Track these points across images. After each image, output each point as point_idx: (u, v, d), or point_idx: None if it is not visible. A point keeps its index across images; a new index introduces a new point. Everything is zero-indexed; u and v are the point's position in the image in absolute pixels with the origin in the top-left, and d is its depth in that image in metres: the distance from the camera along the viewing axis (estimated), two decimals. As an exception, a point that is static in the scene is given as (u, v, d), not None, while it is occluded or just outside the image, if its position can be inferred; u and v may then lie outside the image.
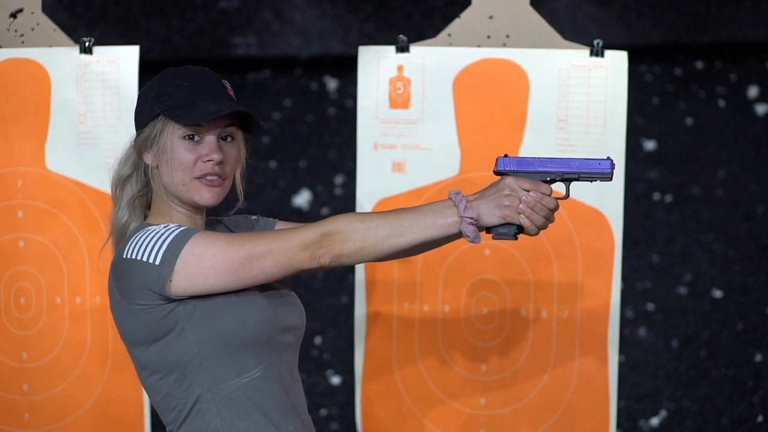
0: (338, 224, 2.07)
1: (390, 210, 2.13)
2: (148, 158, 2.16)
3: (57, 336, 3.02)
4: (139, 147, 2.17)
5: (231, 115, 2.14)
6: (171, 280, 2.04)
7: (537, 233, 2.10)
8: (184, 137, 2.12)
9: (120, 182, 2.20)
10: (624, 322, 3.81)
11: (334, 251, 2.06)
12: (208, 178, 2.14)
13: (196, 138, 2.13)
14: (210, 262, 2.05)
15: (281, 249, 2.06)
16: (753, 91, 3.93)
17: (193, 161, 2.13)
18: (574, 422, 3.06)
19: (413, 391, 3.09)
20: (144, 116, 2.15)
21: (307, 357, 3.91)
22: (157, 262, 2.04)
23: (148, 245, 2.06)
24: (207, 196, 2.14)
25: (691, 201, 3.93)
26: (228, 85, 2.18)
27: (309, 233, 2.07)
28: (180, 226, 2.10)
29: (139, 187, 2.19)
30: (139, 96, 2.20)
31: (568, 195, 2.19)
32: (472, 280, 3.06)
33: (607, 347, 3.04)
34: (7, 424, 3.07)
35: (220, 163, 2.14)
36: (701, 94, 3.93)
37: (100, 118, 2.95)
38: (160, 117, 2.13)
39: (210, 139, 2.14)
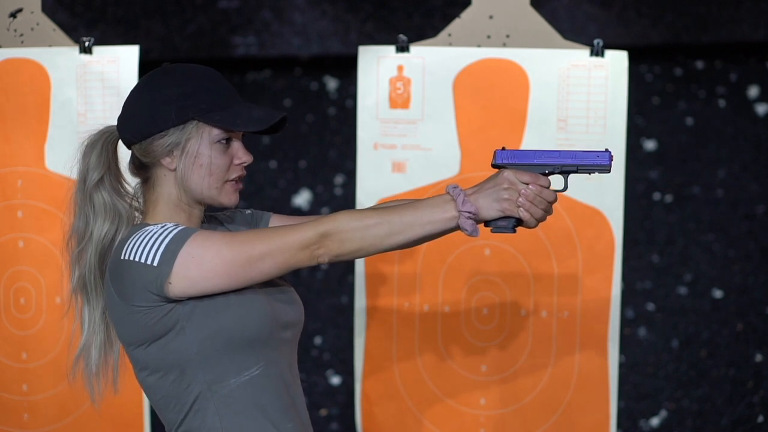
0: (337, 224, 2.06)
1: (388, 205, 2.13)
2: (168, 162, 2.12)
3: (56, 336, 3.02)
4: (154, 152, 2.12)
5: None
6: (170, 282, 2.03)
7: (536, 226, 2.10)
8: (219, 141, 2.11)
9: (89, 189, 2.14)
10: (624, 322, 3.81)
11: (332, 252, 2.06)
12: (237, 180, 2.15)
13: (227, 141, 2.13)
14: (209, 265, 2.04)
15: (280, 250, 2.06)
16: (753, 91, 3.93)
17: (228, 165, 2.13)
18: (574, 422, 3.05)
19: (413, 391, 3.09)
20: (166, 121, 2.09)
21: (307, 357, 3.90)
22: (155, 264, 2.03)
23: (145, 246, 2.05)
24: (234, 197, 2.16)
25: (691, 201, 3.93)
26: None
27: (307, 233, 2.06)
28: (177, 225, 2.09)
29: (114, 193, 2.15)
30: (145, 99, 2.12)
31: (567, 187, 2.18)
32: (472, 279, 3.06)
33: (607, 347, 3.04)
34: (6, 425, 3.07)
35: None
36: (701, 94, 3.93)
37: (100, 118, 2.94)
38: (191, 121, 2.09)
39: (238, 142, 2.14)
